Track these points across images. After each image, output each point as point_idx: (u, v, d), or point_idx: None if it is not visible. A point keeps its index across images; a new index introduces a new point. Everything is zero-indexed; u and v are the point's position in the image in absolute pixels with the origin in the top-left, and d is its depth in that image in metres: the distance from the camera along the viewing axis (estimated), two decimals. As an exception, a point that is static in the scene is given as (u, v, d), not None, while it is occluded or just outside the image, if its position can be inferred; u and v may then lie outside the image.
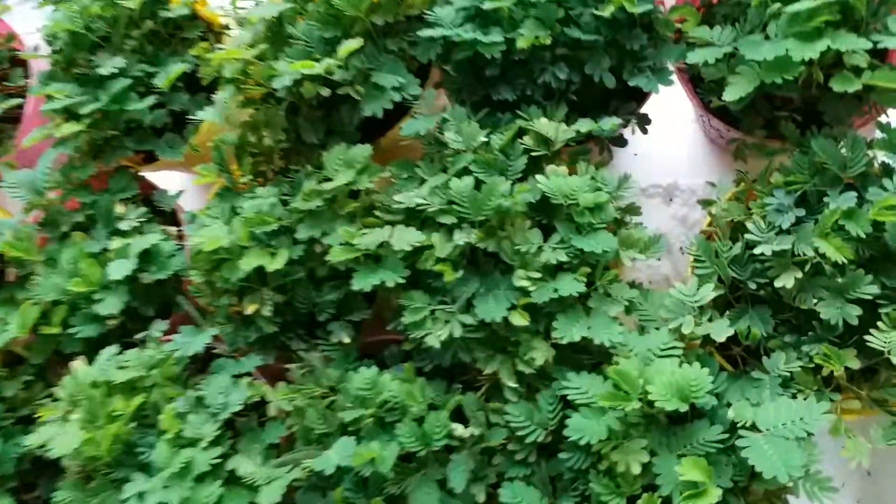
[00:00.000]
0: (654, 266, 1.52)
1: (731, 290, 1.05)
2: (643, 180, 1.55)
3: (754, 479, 0.99)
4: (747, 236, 1.02)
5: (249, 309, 1.17)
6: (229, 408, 1.14)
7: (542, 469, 1.07)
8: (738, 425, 0.95)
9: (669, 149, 1.55)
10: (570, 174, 1.07)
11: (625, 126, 1.19)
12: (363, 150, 1.14)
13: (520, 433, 1.05)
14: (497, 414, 1.09)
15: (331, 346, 1.19)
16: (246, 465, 1.14)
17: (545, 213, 1.09)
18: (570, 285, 1.03)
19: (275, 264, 1.12)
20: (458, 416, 1.11)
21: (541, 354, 1.05)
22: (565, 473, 1.04)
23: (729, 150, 1.18)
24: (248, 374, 1.20)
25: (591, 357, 1.08)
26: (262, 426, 1.19)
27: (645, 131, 1.20)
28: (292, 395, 1.15)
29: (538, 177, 1.07)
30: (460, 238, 1.07)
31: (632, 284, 1.09)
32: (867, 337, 0.97)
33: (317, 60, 1.13)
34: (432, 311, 1.09)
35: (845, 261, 0.95)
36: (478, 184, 1.07)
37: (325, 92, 1.16)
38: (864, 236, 0.95)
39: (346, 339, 1.16)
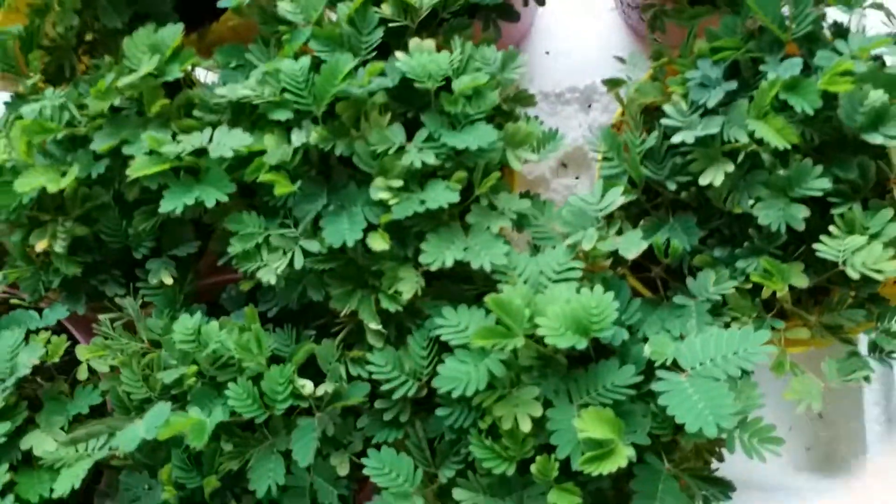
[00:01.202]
0: (571, 186, 1.29)
1: (646, 194, 0.82)
2: (557, 83, 1.31)
3: (680, 431, 0.78)
4: (664, 122, 0.79)
5: (39, 245, 0.90)
6: (17, 371, 0.88)
7: (418, 430, 0.84)
8: (657, 365, 0.74)
9: (586, 45, 1.31)
10: (440, 50, 0.82)
11: (515, -6, 0.94)
12: (173, 31, 0.87)
13: (386, 387, 0.82)
14: (359, 364, 0.85)
15: (152, 290, 0.93)
16: (45, 442, 0.89)
17: (410, 104, 0.84)
18: (441, 195, 0.79)
19: (59, 184, 0.85)
20: (314, 369, 0.87)
21: (409, 286, 0.81)
22: (445, 434, 0.82)
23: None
24: (48, 328, 0.94)
25: (474, 287, 0.85)
26: (73, 393, 0.95)
27: (541, 2, 0.95)
28: (102, 352, 0.90)
29: (397, 54, 0.81)
30: (298, 139, 0.81)
31: (525, 194, 0.85)
32: (817, 246, 0.75)
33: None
34: (267, 238, 0.83)
35: (788, 146, 0.73)
36: (318, 66, 0.81)
37: (126, -42, 0.88)
38: (811, 113, 0.73)
39: (168, 280, 0.91)
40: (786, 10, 0.78)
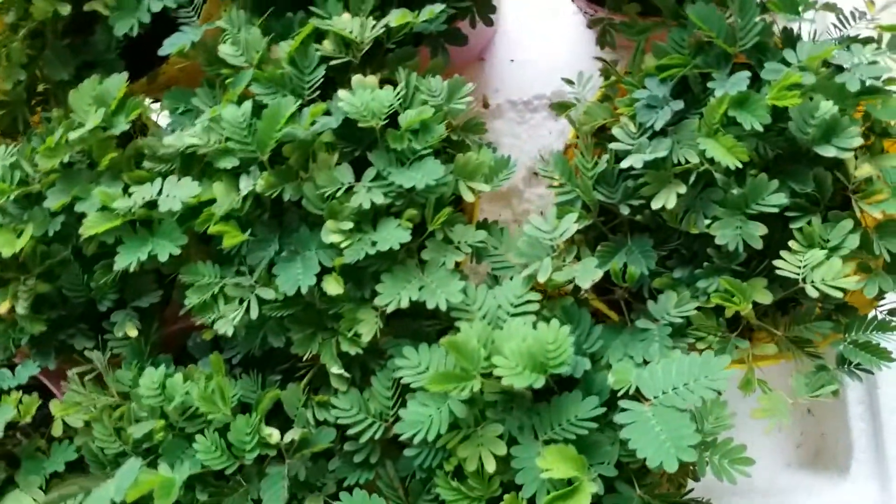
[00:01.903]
0: (544, 196, 1.27)
1: (603, 215, 0.81)
2: (524, 91, 1.29)
3: (648, 457, 0.77)
4: (613, 146, 0.77)
5: (2, 307, 0.90)
6: (-10, 435, 0.88)
7: (389, 470, 0.83)
8: (620, 394, 0.72)
9: (552, 51, 1.29)
10: (385, 86, 0.81)
11: (462, 17, 0.92)
12: (117, 82, 0.86)
13: (351, 431, 0.81)
14: (325, 409, 0.84)
15: (119, 342, 0.93)
16: (23, 502, 0.89)
17: (357, 142, 0.83)
18: (393, 234, 0.78)
19: (14, 247, 0.84)
20: (282, 414, 0.87)
21: (368, 328, 0.80)
22: (416, 473, 0.81)
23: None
24: (21, 386, 0.94)
25: (436, 322, 0.84)
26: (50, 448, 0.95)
27: (489, 22, 0.93)
28: (72, 408, 0.90)
29: (340, 93, 0.80)
30: (245, 186, 0.80)
31: (481, 224, 0.84)
32: (777, 263, 0.73)
33: (42, -32, 0.84)
34: (222, 287, 0.83)
35: (740, 165, 0.71)
36: (261, 109, 0.80)
37: (65, 10, 0.87)
38: (761, 129, 0.71)
39: (133, 332, 0.90)
40: (733, 20, 0.76)
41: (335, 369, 0.81)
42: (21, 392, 0.93)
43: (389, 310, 0.78)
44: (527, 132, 1.26)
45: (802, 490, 1.02)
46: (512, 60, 1.30)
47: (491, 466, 0.73)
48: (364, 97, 0.79)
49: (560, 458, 0.69)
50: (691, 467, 0.82)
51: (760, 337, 0.80)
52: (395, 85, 0.83)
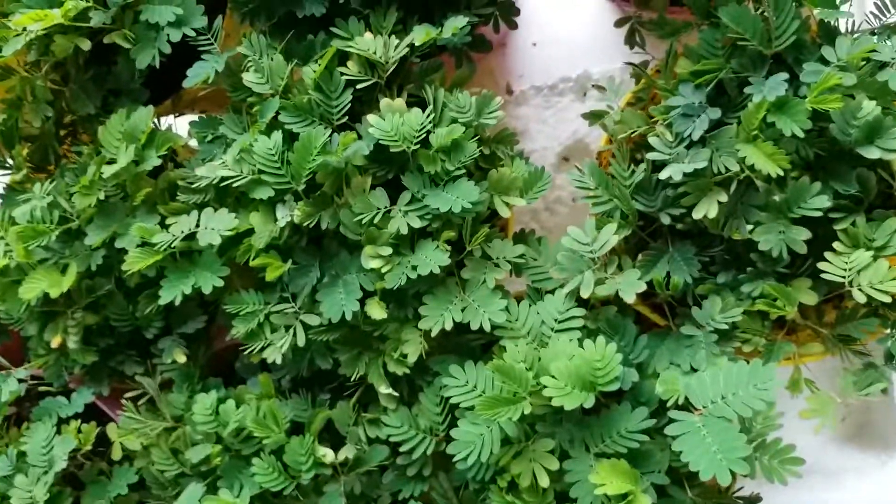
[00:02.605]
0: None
1: (643, 221, 0.80)
2: (549, 75, 1.26)
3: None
4: (650, 156, 0.76)
5: (53, 342, 0.92)
6: (55, 465, 0.92)
7: (442, 482, 0.85)
8: (669, 404, 0.73)
9: (574, 32, 1.26)
10: (413, 108, 0.80)
11: (484, 22, 0.90)
12: (144, 116, 0.86)
13: (404, 448, 0.83)
14: (376, 426, 0.86)
15: (169, 366, 0.95)
16: (93, 526, 0.93)
17: (389, 164, 0.82)
18: (432, 257, 0.78)
19: (61, 287, 0.86)
20: (334, 432, 0.89)
21: (413, 348, 0.81)
22: (469, 484, 0.83)
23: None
24: (78, 415, 0.96)
25: (480, 336, 0.85)
26: (111, 471, 0.98)
27: (513, 25, 0.91)
28: (130, 433, 0.93)
29: (369, 118, 0.79)
30: (283, 216, 0.81)
31: (519, 236, 0.84)
32: (821, 266, 0.73)
33: (60, 5, 0.83)
34: (268, 315, 0.84)
35: (781, 173, 0.70)
36: (293, 137, 0.80)
37: (86, 45, 0.86)
38: (802, 135, 0.69)
39: (182, 358, 0.92)
40: (768, 17, 0.74)
41: (383, 389, 0.83)
42: (79, 420, 0.96)
43: (434, 333, 0.78)
44: (554, 116, 1.24)
45: (851, 470, 1.03)
46: (534, 44, 1.27)
47: (545, 482, 0.74)
48: (394, 122, 0.78)
49: (613, 472, 0.71)
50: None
51: (806, 335, 0.80)
52: (422, 101, 0.82)
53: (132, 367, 0.97)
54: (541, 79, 1.26)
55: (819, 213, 0.72)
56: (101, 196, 0.87)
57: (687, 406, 0.72)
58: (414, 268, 0.78)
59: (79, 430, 0.94)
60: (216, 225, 0.82)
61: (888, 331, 0.77)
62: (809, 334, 0.81)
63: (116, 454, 0.97)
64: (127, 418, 0.93)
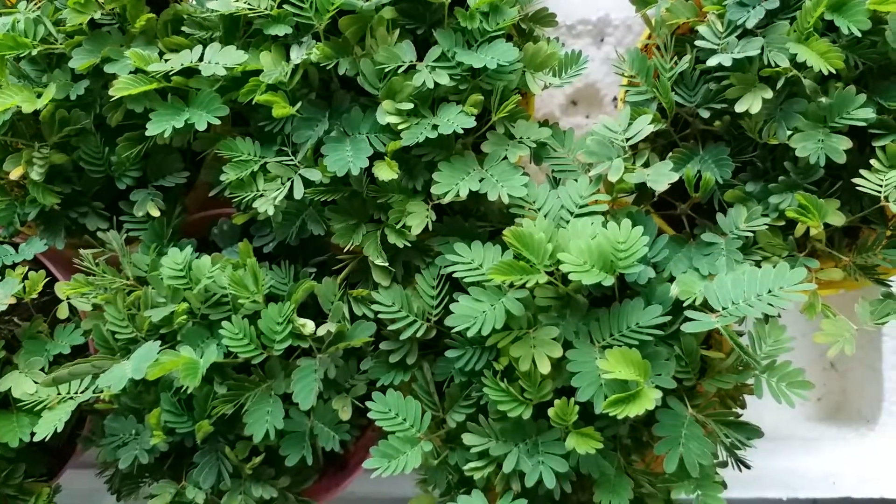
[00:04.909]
0: (582, 126, 1.23)
1: (673, 125, 0.77)
2: (568, 15, 1.23)
3: (705, 375, 0.74)
4: (698, 43, 0.72)
5: (14, 173, 0.83)
6: (-8, 310, 0.82)
7: (426, 373, 0.79)
8: (685, 304, 0.69)
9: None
10: (454, -38, 0.75)
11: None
12: (159, -65, 0.79)
13: (393, 327, 0.77)
14: (363, 304, 0.80)
15: (138, 223, 0.86)
16: (24, 383, 0.83)
17: (421, 20, 0.77)
18: (456, 119, 0.72)
19: (35, 105, 0.77)
20: (314, 309, 0.82)
21: (419, 220, 0.75)
22: (455, 377, 0.77)
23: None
24: (24, 262, 0.87)
25: (488, 223, 0.79)
26: (53, 333, 0.88)
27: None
28: (84, 289, 0.83)
29: (408, -36, 0.74)
30: (298, 56, 0.74)
31: (544, 123, 0.79)
32: (857, 180, 0.70)
33: None
34: (264, 165, 0.77)
35: (833, 71, 0.67)
36: (320, -25, 0.74)
37: None
38: (859, 35, 0.67)
39: (155, 212, 0.84)
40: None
41: (379, 261, 0.76)
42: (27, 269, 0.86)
43: (446, 200, 0.73)
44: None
45: (829, 439, 1.01)
46: (556, -18, 1.24)
47: (545, 368, 0.69)
48: (435, -30, 0.73)
49: (624, 361, 0.66)
50: (740, 396, 0.79)
51: (826, 262, 0.77)
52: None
53: (95, 222, 0.87)
54: (559, 18, 1.22)
55: (863, 124, 0.70)
56: (96, 16, 0.79)
57: (704, 309, 0.69)
58: (434, 127, 0.72)
59: (24, 277, 0.84)
60: (222, 60, 0.75)
61: (910, 264, 0.75)
62: (828, 263, 0.78)
63: (63, 313, 0.87)
64: (81, 274, 0.84)
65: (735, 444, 0.72)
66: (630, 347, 0.68)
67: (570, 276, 0.65)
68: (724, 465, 0.77)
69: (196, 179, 0.89)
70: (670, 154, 0.75)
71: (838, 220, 0.73)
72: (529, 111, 0.87)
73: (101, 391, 0.79)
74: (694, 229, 0.78)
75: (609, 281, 0.66)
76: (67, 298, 0.87)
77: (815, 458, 0.99)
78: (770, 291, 0.66)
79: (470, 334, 0.69)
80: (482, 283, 0.71)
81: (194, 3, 0.80)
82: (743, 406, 0.79)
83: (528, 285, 0.66)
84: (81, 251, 0.84)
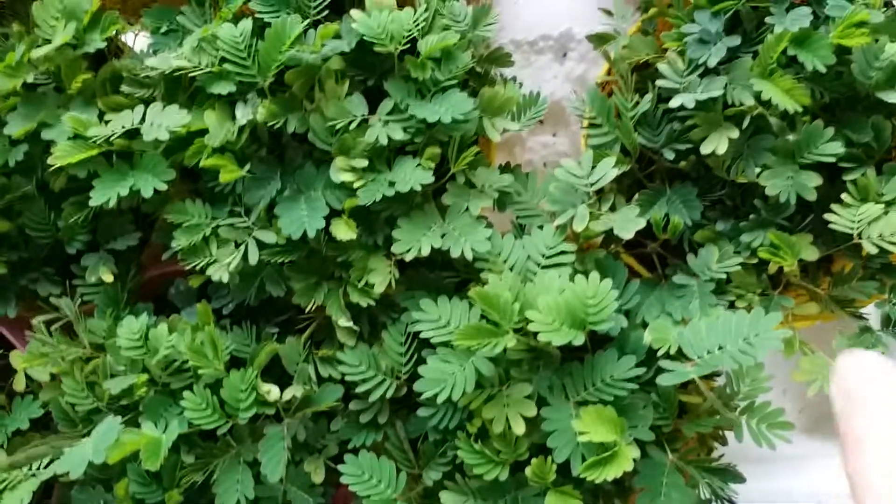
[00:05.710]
0: (548, 145, 1.20)
1: (640, 163, 0.74)
2: (529, 31, 1.19)
3: (683, 419, 0.72)
4: (660, 83, 0.70)
5: (-46, 246, 0.79)
6: (-57, 389, 0.78)
7: (399, 431, 0.77)
8: (660, 354, 0.67)
9: (560, -12, 1.20)
10: (402, 7, 0.72)
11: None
12: (91, -9, 0.75)
13: (362, 388, 0.74)
14: (329, 364, 0.77)
15: (91, 288, 0.83)
16: (-18, 463, 0.80)
17: (370, 70, 0.74)
18: (412, 175, 0.70)
19: (-29, 176, 0.73)
20: (279, 369, 0.79)
21: (381, 278, 0.72)
22: (429, 434, 0.75)
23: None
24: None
25: (454, 274, 0.77)
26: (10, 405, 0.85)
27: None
28: (40, 360, 0.80)
29: (353, 13, 0.71)
30: (243, 115, 0.71)
31: (505, 168, 0.77)
32: (829, 217, 0.68)
33: None
34: (215, 229, 0.74)
35: (799, 109, 0.65)
36: (262, 29, 0.70)
37: None
38: (823, 70, 0.65)
39: (108, 277, 0.81)
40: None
41: (343, 321, 0.74)
42: (-23, 343, 0.83)
43: (408, 258, 0.70)
44: (531, 76, 1.18)
45: (813, 457, 1.00)
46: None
47: (520, 429, 0.67)
48: (381, 19, 0.70)
49: (598, 420, 0.64)
50: (720, 432, 0.78)
51: (801, 295, 0.75)
52: (413, 6, 0.74)
53: (47, 288, 0.84)
54: (521, 34, 1.19)
55: (832, 160, 0.68)
56: (30, 79, 0.75)
57: (678, 357, 0.67)
58: (391, 184, 0.69)
59: (-24, 353, 0.81)
60: (165, 121, 0.72)
61: (886, 295, 0.74)
62: (803, 295, 0.76)
63: (19, 385, 0.84)
64: (36, 342, 0.81)
65: (715, 492, 0.70)
66: (605, 404, 0.66)
67: (539, 337, 0.63)
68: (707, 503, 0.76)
69: (150, 238, 0.85)
70: (636, 197, 0.73)
71: (812, 254, 0.71)
72: (492, 150, 0.84)
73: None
74: (665, 269, 0.76)
75: (580, 339, 0.64)
76: (23, 369, 0.84)
77: (800, 479, 0.98)
78: (745, 339, 0.64)
79: (440, 400, 0.66)
80: (450, 342, 0.69)
81: (132, 60, 0.76)
82: (724, 443, 0.78)
83: (495, 350, 0.63)
84: (34, 320, 0.81)
